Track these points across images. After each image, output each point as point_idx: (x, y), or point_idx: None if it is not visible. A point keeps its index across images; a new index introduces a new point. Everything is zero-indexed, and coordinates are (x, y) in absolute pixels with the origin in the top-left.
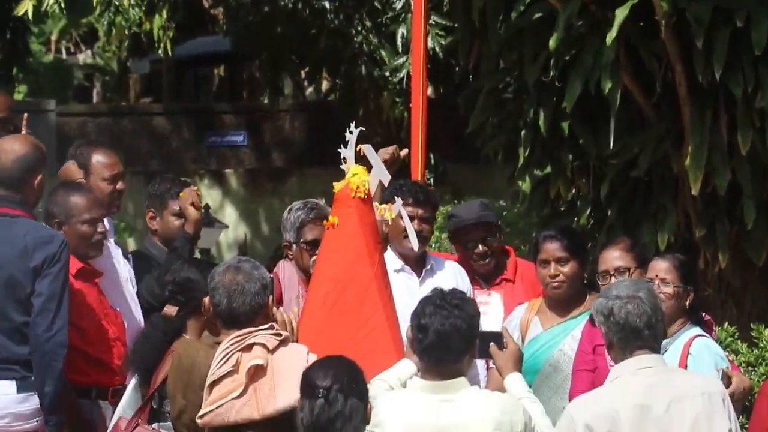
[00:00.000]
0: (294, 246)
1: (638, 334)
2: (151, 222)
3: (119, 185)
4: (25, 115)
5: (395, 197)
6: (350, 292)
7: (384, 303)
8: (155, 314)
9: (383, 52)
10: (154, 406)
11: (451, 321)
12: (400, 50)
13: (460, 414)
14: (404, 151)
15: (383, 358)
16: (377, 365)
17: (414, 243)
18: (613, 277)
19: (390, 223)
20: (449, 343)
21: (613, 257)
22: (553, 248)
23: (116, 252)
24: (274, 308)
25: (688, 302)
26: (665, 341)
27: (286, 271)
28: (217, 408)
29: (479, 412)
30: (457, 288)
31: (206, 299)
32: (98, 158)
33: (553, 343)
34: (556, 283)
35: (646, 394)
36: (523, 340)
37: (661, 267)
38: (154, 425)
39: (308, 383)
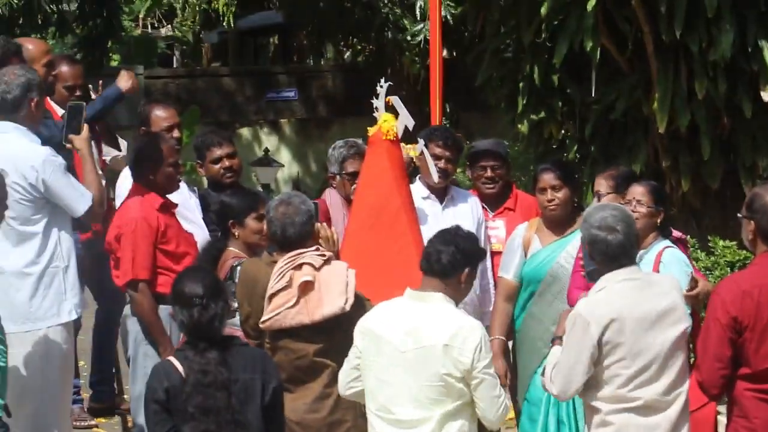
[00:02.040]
0: (337, 177)
1: (617, 260)
2: (200, 170)
3: (175, 133)
4: (100, 81)
5: (426, 139)
6: (384, 217)
7: (411, 225)
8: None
9: (405, 21)
10: None
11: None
12: (418, 18)
13: (426, 316)
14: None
15: (411, 271)
16: (406, 277)
17: (435, 177)
18: (603, 197)
19: (415, 161)
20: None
21: (604, 182)
22: (548, 178)
23: (183, 187)
24: (318, 225)
25: (659, 220)
26: (641, 252)
27: (332, 197)
28: (275, 315)
29: (441, 319)
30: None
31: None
32: (156, 113)
33: (552, 256)
34: (552, 207)
35: (634, 294)
36: (525, 254)
37: (638, 191)
38: None
39: (183, 294)
